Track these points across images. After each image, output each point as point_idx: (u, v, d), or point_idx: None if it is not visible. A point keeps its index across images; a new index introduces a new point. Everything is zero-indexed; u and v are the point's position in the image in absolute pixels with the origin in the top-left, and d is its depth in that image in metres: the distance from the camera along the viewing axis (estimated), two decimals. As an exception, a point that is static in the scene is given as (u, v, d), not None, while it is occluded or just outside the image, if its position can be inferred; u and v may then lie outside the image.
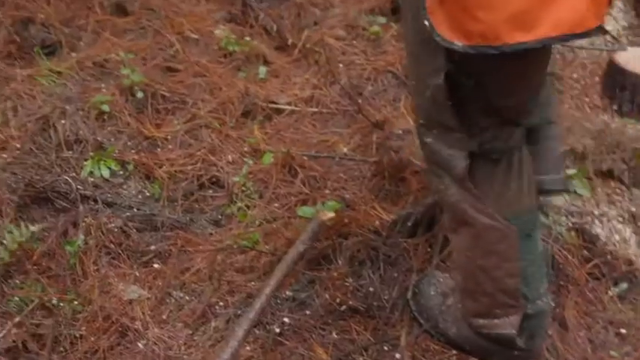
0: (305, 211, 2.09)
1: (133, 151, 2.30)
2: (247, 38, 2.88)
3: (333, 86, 2.70)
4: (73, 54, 2.58)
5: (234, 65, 2.76)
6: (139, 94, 2.44)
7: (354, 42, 2.96)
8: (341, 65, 2.81)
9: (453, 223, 1.54)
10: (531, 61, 1.30)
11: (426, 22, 1.26)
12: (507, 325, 1.54)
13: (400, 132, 2.49)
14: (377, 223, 2.07)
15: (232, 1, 3.07)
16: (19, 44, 2.56)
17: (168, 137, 2.38)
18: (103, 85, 2.45)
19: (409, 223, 1.96)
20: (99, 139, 2.28)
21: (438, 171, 1.49)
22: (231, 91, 2.58)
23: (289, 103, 2.61)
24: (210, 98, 2.55)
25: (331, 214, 1.88)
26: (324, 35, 2.93)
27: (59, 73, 2.46)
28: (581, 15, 1.17)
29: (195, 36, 2.86)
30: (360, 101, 2.61)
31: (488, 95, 1.36)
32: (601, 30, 1.23)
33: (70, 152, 2.22)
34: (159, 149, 2.35)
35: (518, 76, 1.34)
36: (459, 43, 1.23)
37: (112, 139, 2.30)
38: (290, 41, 2.92)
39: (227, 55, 2.80)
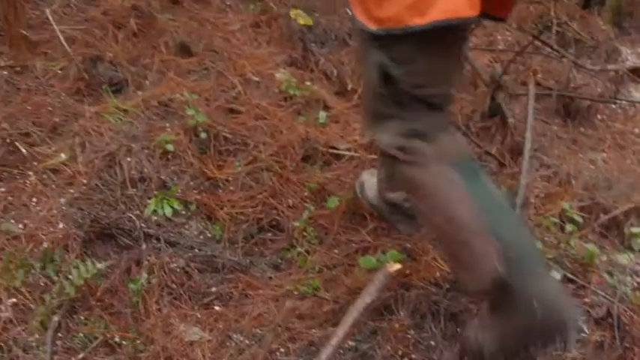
0: (367, 260, 2.08)
1: (195, 191, 2.32)
2: (308, 82, 2.91)
3: (393, 134, 2.70)
4: (139, 92, 2.63)
5: (294, 109, 2.78)
6: (202, 135, 2.47)
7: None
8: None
9: (409, 193, 1.76)
10: (439, 44, 1.52)
11: (349, 12, 1.58)
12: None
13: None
14: (438, 274, 2.05)
15: (293, 45, 3.11)
16: (87, 81, 2.62)
17: (230, 179, 2.40)
18: (167, 124, 2.48)
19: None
20: (162, 177, 2.30)
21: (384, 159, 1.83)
22: (291, 134, 2.60)
23: (349, 149, 2.62)
24: (271, 141, 2.57)
25: (398, 266, 1.86)
26: (383, 82, 2.94)
27: (125, 111, 2.50)
28: (461, 5, 1.43)
29: (257, 78, 2.89)
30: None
31: (415, 83, 1.57)
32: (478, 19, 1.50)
33: (135, 190, 2.24)
34: (220, 190, 2.37)
35: (436, 61, 1.56)
36: (372, 27, 1.50)
37: (175, 179, 2.32)
38: (350, 87, 2.94)
39: (287, 98, 2.82)
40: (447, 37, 1.52)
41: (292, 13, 3.15)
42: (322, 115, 2.77)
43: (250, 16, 3.25)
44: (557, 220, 2.25)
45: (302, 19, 3.13)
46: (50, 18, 2.81)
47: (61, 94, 2.55)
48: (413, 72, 1.56)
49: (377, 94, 1.62)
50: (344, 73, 3.00)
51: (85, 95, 2.59)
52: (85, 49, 2.76)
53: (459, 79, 1.80)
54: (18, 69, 2.63)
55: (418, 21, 1.44)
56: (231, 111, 2.68)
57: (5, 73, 2.60)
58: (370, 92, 1.67)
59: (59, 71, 2.66)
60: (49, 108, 2.46)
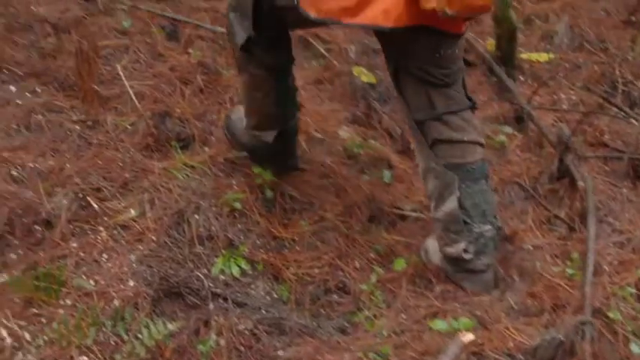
0: (438, 323, 2.03)
1: (261, 250, 2.32)
2: (371, 140, 2.91)
3: (458, 194, 2.67)
4: (206, 148, 2.65)
5: (358, 167, 2.78)
6: (268, 193, 2.48)
7: (479, 150, 2.94)
8: (465, 173, 2.78)
9: (238, 70, 2.46)
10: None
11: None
12: (268, 135, 2.42)
13: (530, 247, 2.43)
14: (511, 345, 1.99)
15: (356, 103, 3.13)
16: (156, 137, 2.66)
17: (296, 238, 2.39)
18: (234, 182, 2.50)
19: (551, 351, 1.87)
20: (230, 236, 2.30)
21: (229, 39, 2.38)
22: (356, 194, 2.59)
23: (414, 210, 2.59)
24: (337, 200, 2.56)
25: (471, 337, 1.82)
26: (447, 141, 2.93)
27: (193, 167, 2.52)
28: (379, 17, 1.91)
29: (321, 136, 2.90)
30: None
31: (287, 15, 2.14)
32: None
33: (202, 248, 2.25)
34: (286, 250, 2.36)
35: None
36: (312, 14, 1.97)
37: (242, 237, 2.33)
38: (413, 145, 2.92)
39: (352, 156, 2.82)
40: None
41: (355, 70, 3.18)
42: (387, 174, 2.76)
43: (313, 72, 3.28)
44: (633, 291, 2.17)
45: (365, 76, 3.15)
46: (121, 73, 2.87)
47: (130, 149, 2.58)
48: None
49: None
50: (407, 132, 2.98)
51: (153, 151, 2.62)
52: (154, 104, 2.80)
53: None
54: (90, 123, 2.68)
55: (349, 20, 1.98)
56: (297, 169, 2.69)
57: (78, 127, 2.65)
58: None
59: (129, 126, 2.70)
60: (120, 163, 2.49)
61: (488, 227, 2.20)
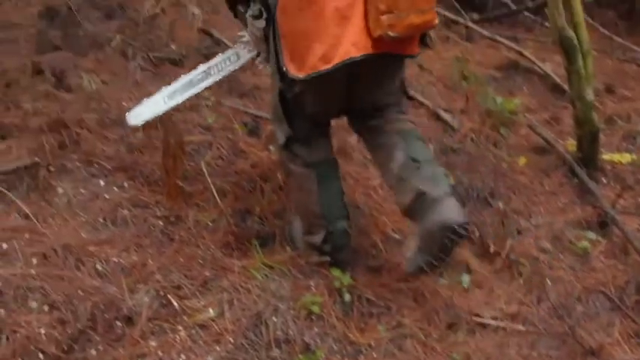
0: None
1: (338, 356, 2.29)
2: (450, 243, 2.87)
3: (541, 303, 2.60)
4: (286, 248, 2.67)
5: (437, 271, 2.73)
6: (346, 297, 2.46)
7: (561, 256, 2.87)
8: (548, 281, 2.71)
9: (284, 176, 2.71)
10: (334, 79, 2.30)
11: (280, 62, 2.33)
12: (317, 238, 2.53)
13: (618, 363, 2.32)
14: None
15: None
16: (236, 235, 2.70)
17: (373, 344, 2.35)
18: (312, 283, 2.49)
19: None
20: (306, 340, 2.28)
21: (275, 145, 2.70)
22: (434, 299, 2.55)
23: (494, 318, 2.53)
24: (414, 305, 2.52)
25: None
26: (528, 246, 2.88)
27: (272, 267, 2.53)
28: (351, 50, 2.20)
29: (398, 236, 2.89)
30: (571, 323, 2.47)
31: (303, 109, 2.44)
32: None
33: (279, 351, 2.23)
34: (362, 356, 2.32)
35: (326, 94, 2.41)
36: (301, 75, 2.28)
37: (319, 341, 2.30)
38: (492, 249, 2.87)
39: (429, 259, 2.79)
40: (337, 75, 2.28)
41: (433, 170, 3.17)
42: (465, 278, 2.71)
43: (391, 171, 3.29)
44: None
45: (443, 176, 3.14)
46: (204, 170, 2.95)
47: (211, 247, 2.62)
48: (306, 99, 2.40)
49: (276, 106, 2.50)
50: (486, 234, 2.94)
51: (233, 249, 2.65)
52: (235, 201, 2.86)
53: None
54: (172, 219, 2.75)
55: (328, 66, 2.21)
56: (374, 270, 2.67)
57: (161, 223, 2.72)
58: (272, 103, 2.56)
59: (210, 223, 2.75)
60: (200, 261, 2.53)
61: None
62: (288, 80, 2.34)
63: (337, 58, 2.20)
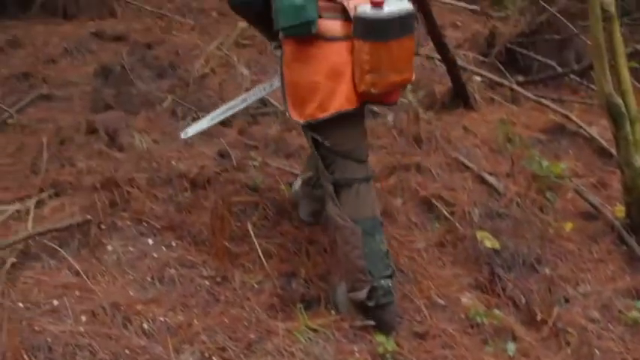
0: None
1: None
2: (495, 310, 2.84)
3: (590, 376, 2.54)
4: (331, 311, 2.67)
5: (481, 338, 2.71)
6: (391, 362, 2.45)
7: (610, 326, 2.82)
8: (597, 351, 2.66)
9: (332, 229, 2.73)
10: (342, 124, 2.56)
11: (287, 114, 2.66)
12: (361, 294, 2.57)
13: None
14: None
15: (479, 268, 3.09)
16: (281, 297, 2.72)
17: (416, 412, 2.32)
18: (356, 349, 2.49)
19: None
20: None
21: (326, 200, 2.70)
22: (480, 367, 2.52)
23: (542, 390, 2.48)
24: (460, 374, 2.49)
25: None
26: (576, 315, 2.83)
27: (316, 330, 2.53)
28: (344, 103, 2.49)
29: (442, 302, 2.87)
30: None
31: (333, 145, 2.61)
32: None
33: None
34: None
35: (343, 132, 2.61)
36: (301, 120, 2.59)
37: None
38: (539, 317, 2.83)
39: (474, 325, 2.76)
40: (342, 119, 2.53)
41: (478, 234, 3.16)
42: (511, 346, 2.67)
43: (435, 234, 3.29)
44: None
45: (489, 241, 3.12)
46: (251, 231, 2.99)
47: (256, 308, 2.64)
48: (331, 139, 2.60)
49: (312, 154, 2.76)
50: (532, 301, 2.90)
51: (278, 311, 2.67)
52: (280, 263, 2.89)
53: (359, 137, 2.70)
54: (218, 280, 2.78)
55: (324, 114, 2.51)
56: (419, 336, 2.65)
57: (207, 283, 2.75)
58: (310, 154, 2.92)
59: (255, 285, 2.78)
60: (245, 322, 2.54)
61: None
62: (313, 125, 2.60)
63: (332, 109, 2.51)
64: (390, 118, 4.35)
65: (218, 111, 3.15)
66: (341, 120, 2.53)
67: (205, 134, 3.57)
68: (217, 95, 4.57)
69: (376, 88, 2.45)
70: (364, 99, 2.54)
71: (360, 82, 2.46)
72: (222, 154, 3.60)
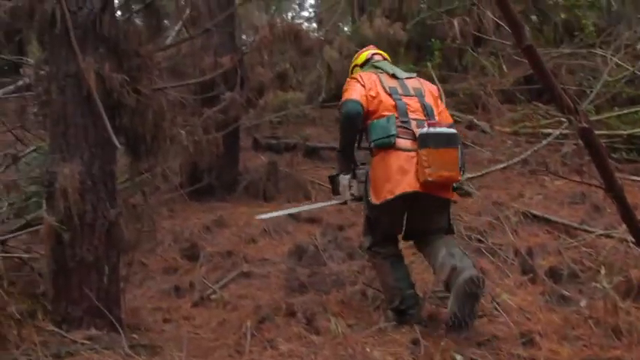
0: None
1: None
2: None
3: None
4: None
5: None
6: None
7: None
8: None
9: (373, 266, 4.07)
10: (396, 206, 3.67)
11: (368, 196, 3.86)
12: (396, 302, 3.76)
13: None
14: None
15: None
16: None
17: None
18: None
19: None
20: None
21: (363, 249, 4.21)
22: None
23: None
24: None
25: None
26: None
27: None
28: (406, 187, 3.59)
29: None
30: None
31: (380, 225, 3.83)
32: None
33: None
34: None
35: (393, 215, 3.77)
36: (376, 202, 3.71)
37: None
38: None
39: None
40: (398, 203, 3.65)
41: None
42: None
43: None
44: None
45: None
46: None
47: None
48: (381, 220, 3.80)
49: (365, 226, 4.01)
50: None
51: None
52: None
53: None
54: None
55: (392, 195, 3.62)
56: None
57: None
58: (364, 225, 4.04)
59: None
60: None
61: None
62: (371, 208, 3.81)
63: (398, 191, 3.63)
64: (583, 303, 4.23)
65: (294, 209, 4.75)
66: (393, 207, 3.69)
67: (399, 321, 3.68)
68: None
69: (432, 177, 3.54)
70: (424, 189, 3.59)
71: (421, 174, 3.58)
72: (415, 342, 3.66)
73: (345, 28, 12.82)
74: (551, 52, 8.75)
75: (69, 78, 3.62)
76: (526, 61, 3.14)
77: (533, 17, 9.85)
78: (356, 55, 4.36)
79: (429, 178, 3.54)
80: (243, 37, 9.03)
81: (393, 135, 3.64)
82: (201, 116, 4.62)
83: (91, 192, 3.63)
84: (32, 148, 5.61)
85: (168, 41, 6.09)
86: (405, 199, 3.61)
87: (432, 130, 3.60)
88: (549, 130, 7.25)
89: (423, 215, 3.76)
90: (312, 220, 5.82)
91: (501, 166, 6.57)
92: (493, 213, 5.53)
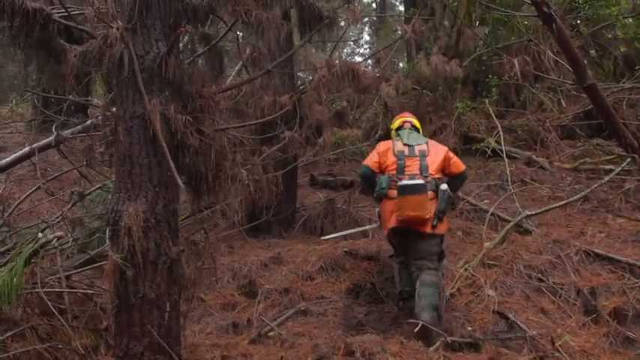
0: None
1: None
2: None
3: None
4: None
5: None
6: None
7: None
8: None
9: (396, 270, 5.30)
10: (395, 234, 5.10)
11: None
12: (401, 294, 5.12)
13: None
14: None
15: None
16: None
17: None
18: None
19: None
20: None
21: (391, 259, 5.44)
22: None
23: None
24: None
25: None
26: None
27: None
28: (394, 223, 4.99)
29: None
30: None
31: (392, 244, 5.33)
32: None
33: None
34: None
35: (395, 240, 5.22)
36: (385, 232, 5.25)
37: None
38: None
39: None
40: (395, 233, 5.07)
41: None
42: None
43: None
44: None
45: None
46: None
47: None
48: (398, 244, 5.21)
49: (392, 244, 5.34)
50: None
51: None
52: None
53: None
54: None
55: (385, 231, 5.14)
56: None
57: None
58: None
59: None
60: None
61: None
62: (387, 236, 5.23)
63: (390, 226, 4.99)
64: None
65: (351, 230, 6.19)
66: (394, 234, 5.05)
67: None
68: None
69: (401, 216, 4.86)
70: (400, 223, 4.90)
71: (395, 216, 4.91)
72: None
73: (401, 64, 12.89)
74: (612, 87, 8.59)
75: (135, 119, 3.74)
76: (586, 96, 3.12)
77: (592, 52, 9.71)
78: (394, 120, 5.68)
79: (399, 217, 4.87)
80: (301, 74, 9.18)
81: (384, 188, 5.02)
82: (260, 155, 4.69)
83: (155, 230, 3.72)
84: (98, 185, 5.78)
85: (229, 80, 6.23)
86: (396, 231, 5.00)
87: (403, 182, 4.91)
88: (610, 166, 7.10)
89: (412, 242, 4.96)
90: (369, 257, 5.81)
91: (562, 203, 6.44)
92: (554, 251, 5.44)
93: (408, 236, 4.93)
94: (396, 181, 4.92)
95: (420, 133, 5.44)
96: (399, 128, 5.43)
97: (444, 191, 4.90)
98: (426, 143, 5.21)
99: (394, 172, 5.02)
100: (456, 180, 5.20)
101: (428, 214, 4.79)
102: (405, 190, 4.81)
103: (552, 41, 7.69)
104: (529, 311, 4.75)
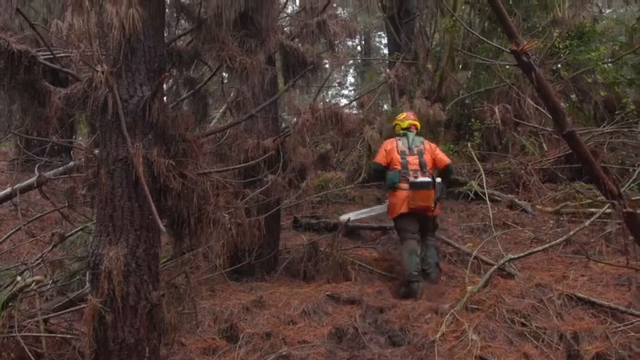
0: None
1: None
2: None
3: None
4: None
5: None
6: None
7: None
8: None
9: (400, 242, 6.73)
10: (403, 218, 6.51)
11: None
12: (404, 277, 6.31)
13: None
14: None
15: None
16: None
17: None
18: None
19: None
20: None
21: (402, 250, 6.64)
22: None
23: None
24: None
25: None
26: None
27: None
28: (401, 209, 6.44)
29: None
30: None
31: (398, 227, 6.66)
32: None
33: None
34: None
35: (403, 223, 6.55)
36: (389, 218, 6.79)
37: None
38: None
39: None
40: (405, 216, 6.45)
41: None
42: None
43: None
44: None
45: None
46: None
47: None
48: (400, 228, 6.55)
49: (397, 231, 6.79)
50: None
51: None
52: None
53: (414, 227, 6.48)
54: None
55: (396, 214, 6.46)
56: None
57: None
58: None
59: None
60: None
61: None
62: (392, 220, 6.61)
63: (401, 211, 6.33)
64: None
65: (365, 209, 7.47)
66: (402, 218, 6.32)
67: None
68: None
69: (413, 205, 6.25)
70: (411, 210, 6.27)
71: (410, 204, 6.27)
72: None
73: (385, 106, 13.02)
74: (593, 131, 8.72)
75: (118, 162, 3.74)
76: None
77: (573, 96, 9.86)
78: (401, 117, 6.95)
79: (411, 206, 6.30)
80: (286, 115, 9.24)
81: (396, 182, 6.41)
82: (243, 198, 4.69)
83: (135, 274, 3.69)
84: (79, 227, 5.74)
85: (213, 123, 6.25)
86: (406, 214, 6.33)
87: (416, 179, 6.34)
88: (592, 210, 7.16)
89: (418, 223, 6.36)
90: (352, 301, 5.77)
91: (544, 247, 6.47)
92: (536, 295, 5.43)
93: (415, 217, 6.35)
94: (406, 177, 6.40)
95: (419, 136, 6.83)
96: (405, 129, 6.79)
97: (439, 183, 6.36)
98: (422, 143, 6.66)
99: (400, 167, 6.45)
100: (444, 173, 6.59)
101: (432, 203, 6.28)
102: (417, 186, 6.30)
103: (533, 87, 7.81)
104: (512, 356, 4.72)
